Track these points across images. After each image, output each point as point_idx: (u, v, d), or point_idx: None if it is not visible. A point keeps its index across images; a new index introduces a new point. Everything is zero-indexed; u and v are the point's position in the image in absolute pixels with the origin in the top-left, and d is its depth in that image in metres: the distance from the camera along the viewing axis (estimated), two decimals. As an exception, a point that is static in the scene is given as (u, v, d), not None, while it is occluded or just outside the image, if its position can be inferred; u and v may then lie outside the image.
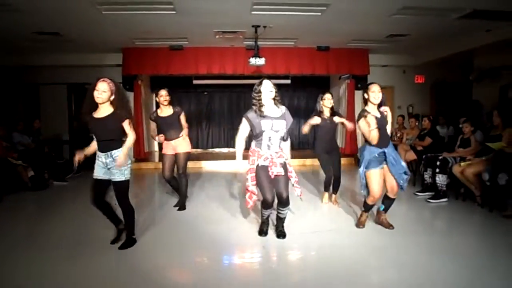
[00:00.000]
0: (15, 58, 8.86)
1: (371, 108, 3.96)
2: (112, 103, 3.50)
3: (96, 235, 4.01)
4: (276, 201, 3.82)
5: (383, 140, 3.93)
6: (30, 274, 3.14)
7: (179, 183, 5.20)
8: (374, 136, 3.87)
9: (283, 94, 12.64)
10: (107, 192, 3.66)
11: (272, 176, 3.69)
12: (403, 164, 4.07)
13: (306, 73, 9.78)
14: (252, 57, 7.69)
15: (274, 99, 3.72)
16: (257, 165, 3.72)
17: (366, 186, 4.05)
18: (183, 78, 10.40)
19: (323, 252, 3.71)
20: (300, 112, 12.40)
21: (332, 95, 5.14)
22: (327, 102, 5.02)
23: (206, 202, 5.56)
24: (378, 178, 3.96)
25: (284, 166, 3.76)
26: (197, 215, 4.89)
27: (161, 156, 5.29)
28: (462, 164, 5.31)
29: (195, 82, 10.92)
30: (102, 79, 3.45)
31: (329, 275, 3.14)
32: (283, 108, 3.78)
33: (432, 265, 3.26)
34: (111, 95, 3.47)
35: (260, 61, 7.69)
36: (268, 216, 4.06)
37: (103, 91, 3.41)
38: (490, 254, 3.52)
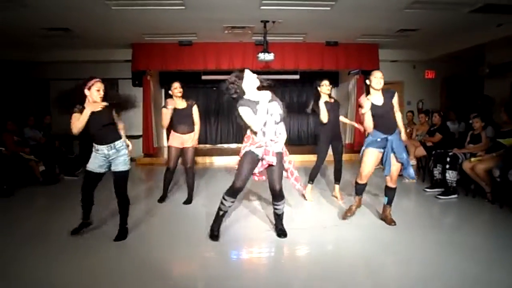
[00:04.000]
0: (25, 54, 8.94)
1: (374, 95, 4.01)
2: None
3: (104, 229, 4.06)
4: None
5: (387, 126, 3.97)
6: (39, 266, 3.19)
7: (188, 178, 5.21)
8: (367, 120, 3.95)
9: (291, 89, 12.82)
10: (97, 186, 3.80)
11: (266, 165, 3.55)
12: (404, 155, 4.02)
13: (315, 69, 9.73)
14: (261, 52, 7.67)
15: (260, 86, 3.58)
16: (248, 150, 3.54)
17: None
18: (192, 73, 10.42)
19: (330, 247, 3.71)
20: (308, 107, 12.36)
21: (329, 82, 5.11)
22: (324, 88, 5.01)
23: (214, 197, 5.56)
24: (372, 158, 4.03)
25: (279, 155, 3.61)
26: (205, 210, 4.90)
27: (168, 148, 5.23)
28: (472, 160, 5.25)
29: (204, 77, 10.93)
30: (98, 79, 3.66)
31: (337, 270, 3.15)
32: (268, 93, 3.57)
33: (440, 261, 3.24)
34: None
35: (269, 56, 7.67)
36: (226, 212, 3.78)
37: (103, 90, 3.64)
38: (500, 250, 3.49)
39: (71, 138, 9.55)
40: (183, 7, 6.08)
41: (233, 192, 3.62)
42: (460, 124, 7.78)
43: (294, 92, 12.26)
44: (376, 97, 4.01)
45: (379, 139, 3.98)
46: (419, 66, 10.39)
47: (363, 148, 4.10)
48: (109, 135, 3.66)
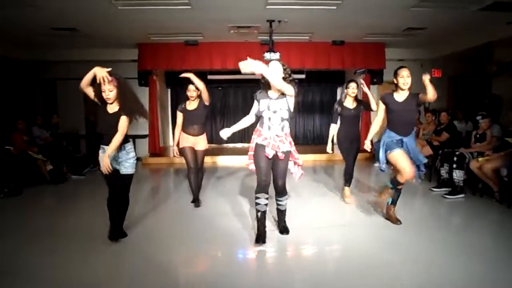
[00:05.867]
0: (33, 54, 9.01)
1: (399, 93, 3.95)
2: (117, 99, 3.49)
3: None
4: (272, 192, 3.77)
5: (403, 127, 3.90)
6: (44, 264, 3.22)
7: (197, 178, 5.10)
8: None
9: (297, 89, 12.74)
10: (120, 185, 3.60)
11: (269, 156, 3.58)
12: (421, 158, 4.01)
13: (321, 68, 9.71)
14: (267, 52, 7.66)
15: (284, 78, 3.60)
16: (256, 143, 3.67)
17: (386, 164, 4.04)
18: (197, 73, 10.32)
19: (337, 247, 3.71)
20: (315, 107, 12.35)
21: (357, 84, 5.11)
22: (350, 91, 5.01)
23: (220, 197, 5.59)
24: (404, 156, 3.87)
25: (286, 155, 3.64)
26: (211, 209, 4.93)
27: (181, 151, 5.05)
28: (480, 159, 5.22)
29: (209, 77, 10.94)
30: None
31: (342, 269, 3.15)
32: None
33: (447, 261, 3.23)
34: (117, 91, 3.47)
35: (275, 56, 7.65)
36: (264, 212, 3.71)
37: (109, 90, 3.42)
38: (508, 250, 3.46)
39: (78, 138, 9.66)
40: (189, 7, 6.09)
41: (259, 186, 3.66)
42: (467, 123, 7.73)
43: (300, 91, 12.06)
44: (400, 94, 3.97)
45: (394, 141, 3.91)
46: (426, 65, 10.30)
47: (383, 152, 3.96)
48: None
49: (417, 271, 3.06)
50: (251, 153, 3.76)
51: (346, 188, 5.21)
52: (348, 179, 5.17)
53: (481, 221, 4.50)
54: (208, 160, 9.29)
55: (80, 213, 4.89)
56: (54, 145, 7.60)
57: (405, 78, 3.87)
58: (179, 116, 5.01)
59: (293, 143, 3.76)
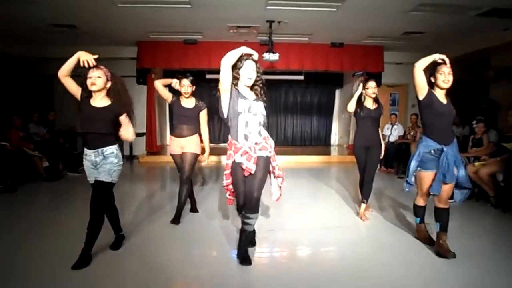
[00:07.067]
0: (31, 50, 8.97)
1: (438, 93, 3.48)
2: (108, 93, 3.19)
3: (107, 227, 4.04)
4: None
5: (446, 133, 3.41)
6: (38, 262, 3.20)
7: (181, 190, 4.36)
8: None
9: (295, 90, 12.82)
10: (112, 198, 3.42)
11: (251, 172, 3.11)
12: (462, 173, 3.43)
13: (319, 69, 9.74)
14: (266, 52, 7.67)
15: (252, 88, 3.18)
16: (233, 161, 3.18)
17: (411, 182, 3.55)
18: (196, 72, 10.34)
19: (332, 248, 3.72)
20: (312, 108, 12.37)
21: (376, 84, 4.57)
22: (369, 91, 4.49)
23: (215, 197, 5.58)
24: (428, 180, 3.45)
25: (265, 161, 3.17)
26: (206, 210, 4.91)
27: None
28: (476, 164, 5.24)
29: (208, 76, 10.93)
30: (95, 66, 3.13)
31: (337, 270, 3.15)
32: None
33: (442, 265, 3.24)
34: (107, 81, 3.17)
35: (274, 57, 7.67)
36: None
37: (97, 76, 3.11)
38: (503, 255, 3.47)
39: (75, 135, 9.61)
40: (189, 6, 6.09)
41: (240, 209, 3.41)
42: (464, 128, 7.76)
43: (299, 92, 12.26)
44: (440, 95, 3.51)
45: (432, 151, 3.37)
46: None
47: (417, 168, 3.47)
48: (100, 140, 3.15)
49: (412, 275, 3.07)
50: (227, 172, 3.28)
51: (362, 205, 4.56)
52: (363, 191, 4.57)
53: (476, 226, 4.51)
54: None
55: (75, 210, 4.86)
56: (50, 142, 7.57)
57: (445, 75, 3.45)
58: (168, 96, 4.53)
59: (273, 145, 3.28)
